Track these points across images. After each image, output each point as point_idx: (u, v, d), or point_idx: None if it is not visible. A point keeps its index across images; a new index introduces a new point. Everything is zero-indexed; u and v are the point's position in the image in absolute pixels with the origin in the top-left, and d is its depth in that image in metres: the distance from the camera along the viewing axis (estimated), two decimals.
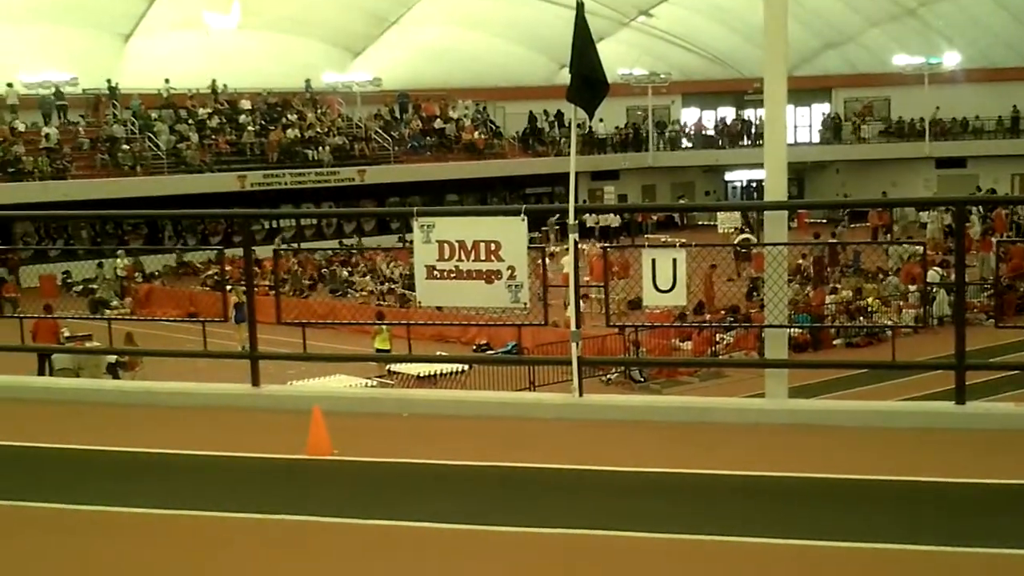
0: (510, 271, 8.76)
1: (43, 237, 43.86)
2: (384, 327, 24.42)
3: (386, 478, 7.47)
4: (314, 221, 50.18)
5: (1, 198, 38.11)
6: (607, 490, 7.05)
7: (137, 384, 10.09)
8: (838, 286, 30.64)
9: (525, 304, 8.84)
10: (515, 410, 9.00)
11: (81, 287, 36.89)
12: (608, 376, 23.57)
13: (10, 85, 45.61)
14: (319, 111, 52.38)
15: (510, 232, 8.81)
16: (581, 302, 9.25)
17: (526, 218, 8.74)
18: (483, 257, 8.77)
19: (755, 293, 27.46)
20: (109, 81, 48.13)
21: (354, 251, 42.27)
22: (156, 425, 8.74)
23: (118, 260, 39.75)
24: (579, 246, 9.02)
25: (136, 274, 39.78)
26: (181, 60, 49.38)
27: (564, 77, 9.18)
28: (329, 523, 6.43)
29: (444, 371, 22.06)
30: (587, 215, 41.35)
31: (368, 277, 37.80)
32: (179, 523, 6.46)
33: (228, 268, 33.11)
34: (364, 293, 36.21)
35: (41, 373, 20.19)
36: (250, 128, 49.07)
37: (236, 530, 6.37)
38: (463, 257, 8.79)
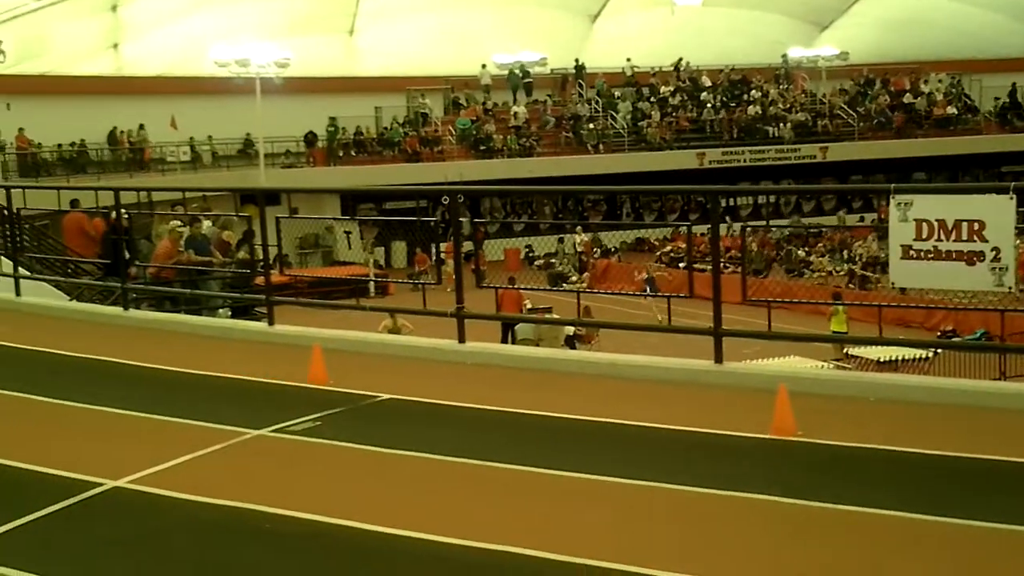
0: (994, 252, 8.09)
1: (508, 212, 46.04)
2: (840, 308, 23.58)
3: (849, 462, 7.05)
4: (772, 199, 49.47)
5: (472, 174, 40.30)
6: None
7: (601, 355, 10.17)
8: None
9: (1010, 288, 8.17)
10: (995, 400, 8.26)
11: (542, 261, 38.42)
12: None
13: (483, 66, 48.10)
14: (782, 87, 51.55)
15: (996, 211, 8.13)
16: None
17: (1015, 196, 8.04)
18: (964, 237, 8.15)
19: None
20: (577, 61, 49.69)
21: (815, 230, 41.29)
22: (619, 397, 8.75)
23: (577, 236, 41.06)
24: None
25: (594, 250, 40.94)
26: (645, 38, 50.26)
27: None
28: (793, 504, 6.14)
29: (906, 357, 21.00)
30: None
31: (826, 258, 36.82)
32: (641, 494, 6.39)
33: (685, 245, 33.18)
34: (821, 274, 35.30)
35: (504, 341, 21.04)
36: (710, 105, 49.08)
37: (711, 505, 6.21)
38: (943, 237, 8.21)
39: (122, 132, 43.51)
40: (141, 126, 43.70)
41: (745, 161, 46.99)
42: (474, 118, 46.61)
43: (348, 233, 36.97)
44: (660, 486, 6.47)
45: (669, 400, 8.64)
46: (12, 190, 15.91)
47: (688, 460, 7.09)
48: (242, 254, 16.48)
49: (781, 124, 48.27)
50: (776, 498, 6.22)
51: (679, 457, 7.17)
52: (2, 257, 16.32)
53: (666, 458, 7.13)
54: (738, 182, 46.00)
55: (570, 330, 22.60)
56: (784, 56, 52.68)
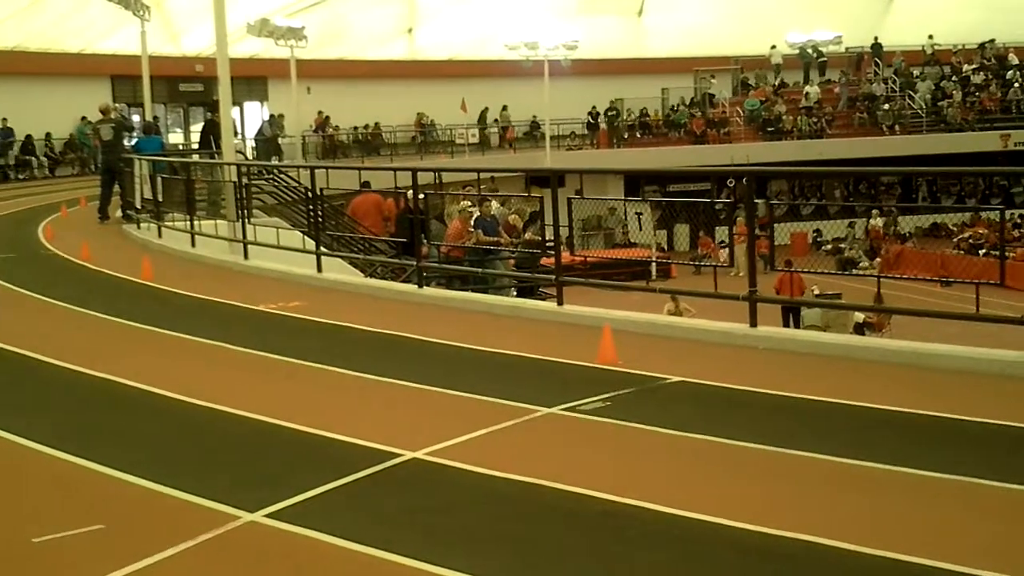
0: None
1: (796, 195, 44.96)
2: None
3: None
4: None
5: (760, 156, 39.53)
6: None
7: (903, 343, 9.69)
8: None
9: None
10: None
11: (830, 246, 37.30)
12: None
13: (773, 47, 47.16)
14: None
15: None
16: None
17: None
18: None
19: None
20: (876, 38, 47.98)
21: None
22: (924, 387, 8.32)
23: (871, 220, 39.64)
24: None
25: (884, 234, 39.42)
26: (948, 14, 48.09)
27: None
28: None
29: None
30: None
31: None
32: (953, 489, 6.03)
33: (984, 231, 31.51)
34: None
35: (786, 325, 20.54)
36: (1017, 84, 46.46)
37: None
38: None
39: (419, 114, 44.99)
40: (504, 107, 45.09)
41: None
42: (763, 99, 45.75)
43: (639, 214, 36.89)
44: (973, 481, 6.09)
45: (979, 392, 8.15)
46: (316, 171, 16.63)
47: (1004, 456, 6.66)
48: (530, 235, 16.68)
49: None
50: None
51: (994, 453, 6.74)
52: (304, 235, 17.09)
53: (982, 453, 6.70)
54: None
55: (860, 317, 21.87)
56: None
